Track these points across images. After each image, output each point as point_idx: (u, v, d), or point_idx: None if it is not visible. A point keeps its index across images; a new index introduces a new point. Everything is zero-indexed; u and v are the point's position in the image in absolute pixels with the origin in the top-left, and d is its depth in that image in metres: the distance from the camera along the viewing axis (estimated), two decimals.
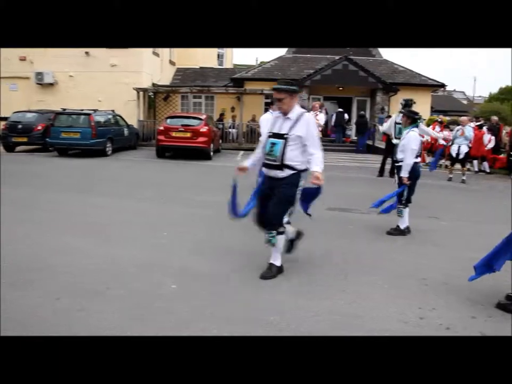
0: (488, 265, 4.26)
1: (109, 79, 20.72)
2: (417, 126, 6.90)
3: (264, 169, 4.76)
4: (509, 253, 4.19)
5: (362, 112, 22.62)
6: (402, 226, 6.74)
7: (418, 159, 6.77)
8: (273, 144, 4.59)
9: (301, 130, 4.53)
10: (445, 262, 5.60)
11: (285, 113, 4.62)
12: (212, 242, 5.89)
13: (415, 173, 6.67)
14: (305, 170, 4.64)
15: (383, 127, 12.38)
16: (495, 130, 16.70)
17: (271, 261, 4.76)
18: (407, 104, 9.83)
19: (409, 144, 6.52)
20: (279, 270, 4.79)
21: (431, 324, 3.83)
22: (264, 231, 4.70)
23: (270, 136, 4.67)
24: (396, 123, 10.95)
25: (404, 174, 6.50)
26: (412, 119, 6.76)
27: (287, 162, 4.55)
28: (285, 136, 4.54)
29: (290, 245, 5.04)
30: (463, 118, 14.48)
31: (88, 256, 5.12)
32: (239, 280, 4.61)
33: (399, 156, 6.75)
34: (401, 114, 9.14)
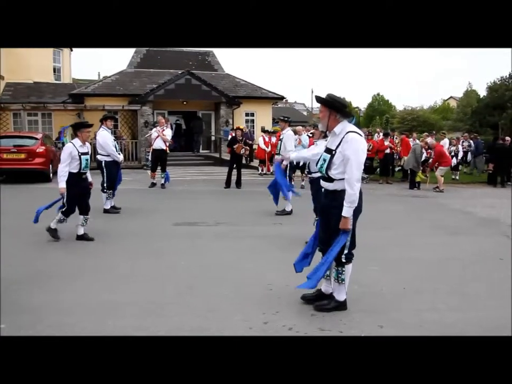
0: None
1: None
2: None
3: None
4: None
5: (198, 115, 23.98)
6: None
7: None
8: None
9: None
10: (288, 265, 5.86)
11: None
12: (51, 267, 5.47)
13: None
14: None
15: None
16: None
17: None
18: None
19: None
20: None
21: (274, 327, 3.97)
22: None
23: None
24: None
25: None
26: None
27: None
28: None
29: None
30: (299, 128, 15.50)
31: None
32: (81, 305, 4.34)
33: None
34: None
